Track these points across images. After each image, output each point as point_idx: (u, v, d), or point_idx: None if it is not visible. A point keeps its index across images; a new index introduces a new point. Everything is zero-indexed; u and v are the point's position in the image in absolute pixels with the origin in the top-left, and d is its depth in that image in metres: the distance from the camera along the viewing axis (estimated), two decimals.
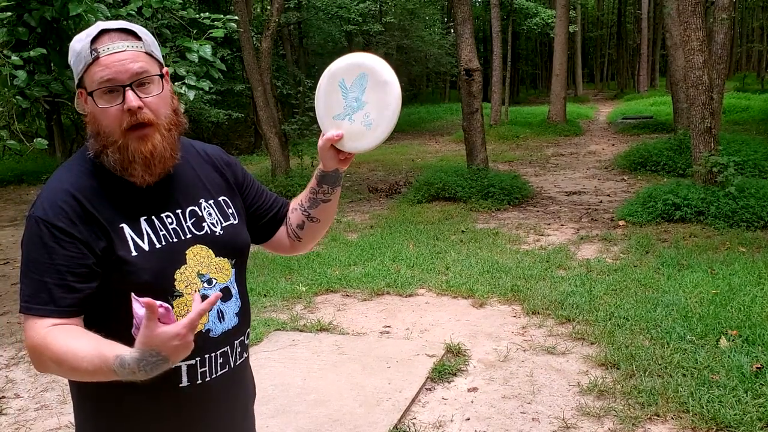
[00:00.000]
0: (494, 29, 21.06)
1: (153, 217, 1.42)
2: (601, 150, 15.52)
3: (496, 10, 20.88)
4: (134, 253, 1.37)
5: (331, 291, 5.69)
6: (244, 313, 1.55)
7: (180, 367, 1.42)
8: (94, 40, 1.36)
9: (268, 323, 4.87)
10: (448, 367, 4.02)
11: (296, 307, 5.31)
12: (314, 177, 1.62)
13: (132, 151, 1.37)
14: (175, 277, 1.41)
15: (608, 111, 25.00)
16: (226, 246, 1.51)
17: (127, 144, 1.36)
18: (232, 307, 1.51)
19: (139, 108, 1.36)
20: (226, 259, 1.51)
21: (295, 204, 1.68)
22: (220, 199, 1.56)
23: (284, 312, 5.19)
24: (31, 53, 4.47)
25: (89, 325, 1.36)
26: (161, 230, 1.42)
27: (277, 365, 4.15)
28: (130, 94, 1.35)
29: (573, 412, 3.45)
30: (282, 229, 1.71)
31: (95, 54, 1.35)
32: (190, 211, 1.48)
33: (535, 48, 46.08)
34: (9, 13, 4.41)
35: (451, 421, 3.44)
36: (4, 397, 3.95)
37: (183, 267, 1.42)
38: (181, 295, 1.41)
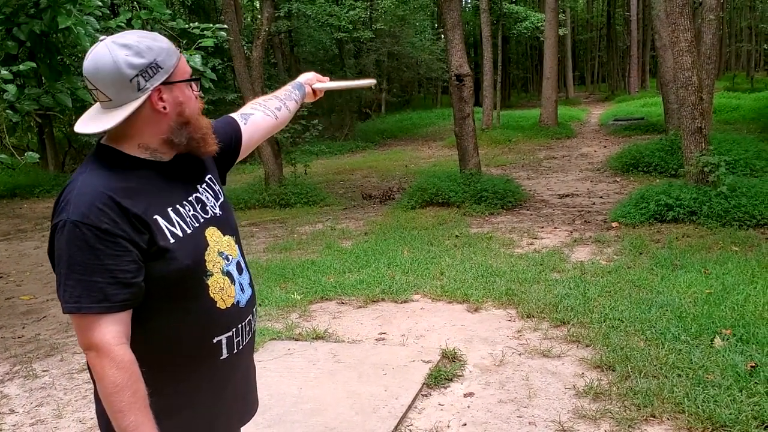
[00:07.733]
0: (484, 34, 21.12)
1: (177, 206, 1.52)
2: (593, 152, 15.57)
3: (486, 15, 20.94)
4: (172, 240, 1.46)
5: (326, 299, 5.69)
6: (252, 283, 1.71)
7: (221, 341, 1.55)
8: None
9: (263, 333, 4.86)
10: (443, 372, 4.02)
11: (291, 315, 5.30)
12: (298, 100, 2.11)
13: (205, 126, 1.58)
14: (205, 258, 1.53)
15: (600, 113, 25.10)
16: (226, 224, 1.65)
17: (202, 122, 1.57)
18: (246, 278, 1.66)
19: None
20: (229, 236, 1.64)
21: (271, 97, 2.08)
22: (207, 178, 1.67)
23: (279, 321, 5.18)
24: (21, 67, 4.45)
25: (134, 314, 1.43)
26: (186, 217, 1.53)
27: (272, 375, 4.14)
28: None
29: (569, 415, 3.45)
30: (255, 126, 1.95)
31: (179, 49, 1.53)
32: (195, 197, 1.59)
33: (525, 52, 46.26)
34: None
35: (448, 427, 3.44)
36: None
37: (208, 248, 1.54)
38: (212, 275, 1.53)
